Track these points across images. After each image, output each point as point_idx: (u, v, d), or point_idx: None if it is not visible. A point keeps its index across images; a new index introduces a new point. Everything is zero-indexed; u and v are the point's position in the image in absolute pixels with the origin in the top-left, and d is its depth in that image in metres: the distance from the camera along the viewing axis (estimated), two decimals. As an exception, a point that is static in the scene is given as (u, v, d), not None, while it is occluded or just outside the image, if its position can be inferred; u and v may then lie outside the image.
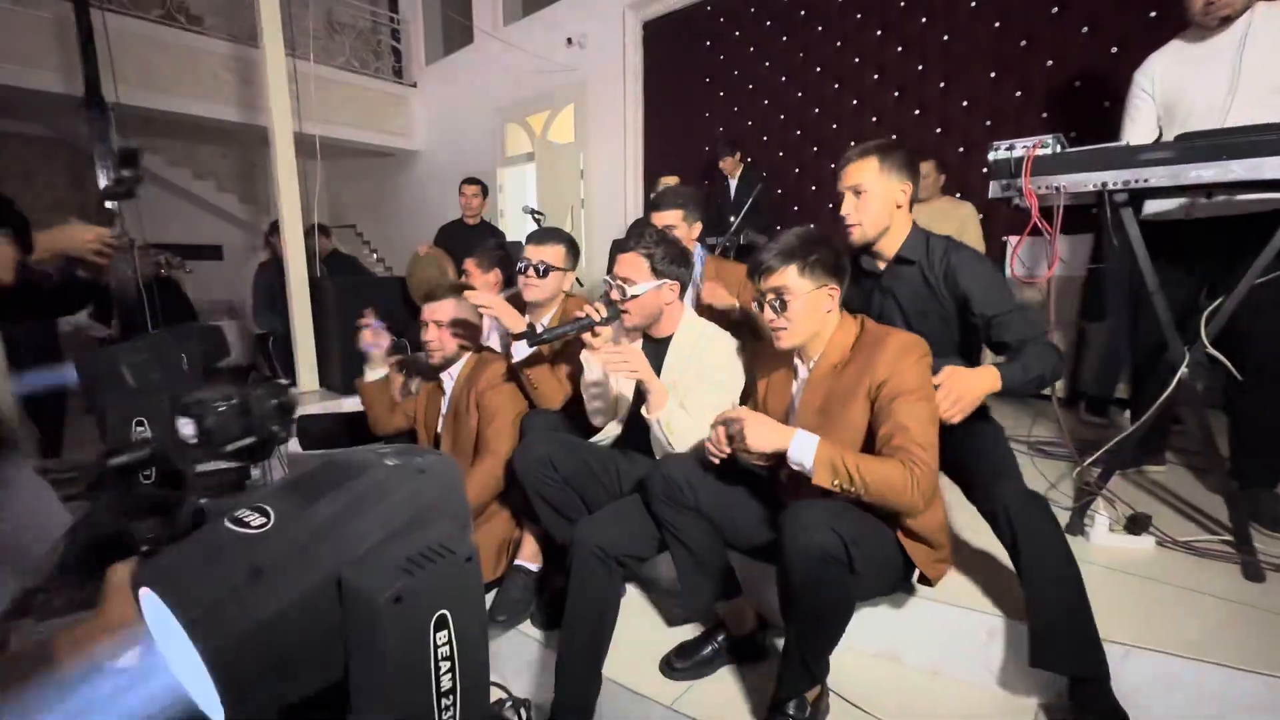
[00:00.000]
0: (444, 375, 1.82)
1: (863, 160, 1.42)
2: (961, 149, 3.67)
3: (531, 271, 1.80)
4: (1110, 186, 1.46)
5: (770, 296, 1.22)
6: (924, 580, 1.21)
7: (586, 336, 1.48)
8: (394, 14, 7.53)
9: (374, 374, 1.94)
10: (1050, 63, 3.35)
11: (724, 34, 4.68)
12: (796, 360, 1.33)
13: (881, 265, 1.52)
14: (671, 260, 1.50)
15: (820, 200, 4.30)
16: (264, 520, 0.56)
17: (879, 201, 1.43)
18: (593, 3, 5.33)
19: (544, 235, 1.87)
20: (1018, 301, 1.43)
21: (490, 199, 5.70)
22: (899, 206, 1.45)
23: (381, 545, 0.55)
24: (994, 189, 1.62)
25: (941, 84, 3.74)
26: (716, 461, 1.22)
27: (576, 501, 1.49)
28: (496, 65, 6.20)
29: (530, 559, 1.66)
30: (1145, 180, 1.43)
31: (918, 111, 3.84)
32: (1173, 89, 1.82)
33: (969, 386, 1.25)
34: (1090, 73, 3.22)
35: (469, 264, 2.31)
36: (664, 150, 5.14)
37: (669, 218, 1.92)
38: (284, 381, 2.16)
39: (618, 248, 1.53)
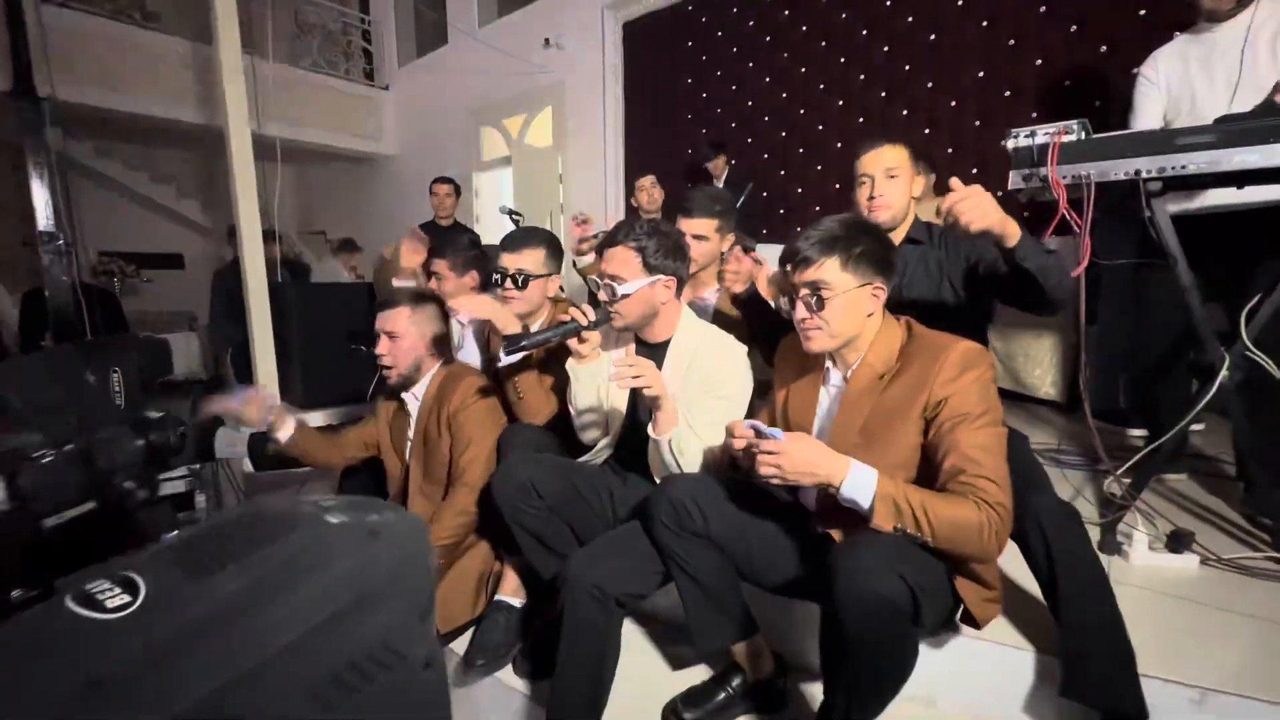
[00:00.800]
0: (406, 395, 1.60)
1: (899, 147, 1.47)
2: (950, 149, 3.60)
3: (509, 283, 1.59)
4: (1144, 174, 1.34)
5: (805, 291, 1.05)
6: (969, 620, 1.06)
7: (572, 343, 1.31)
8: (365, 15, 7.30)
9: (285, 434, 1.62)
10: (1039, 61, 3.30)
11: (706, 34, 4.58)
12: (829, 365, 1.15)
13: None
14: (666, 254, 1.32)
15: (807, 202, 4.20)
16: (126, 600, 0.38)
17: (905, 188, 1.48)
18: (570, 4, 5.20)
19: (519, 239, 1.65)
20: None
21: (465, 202, 5.50)
22: (915, 198, 1.51)
23: (298, 649, 0.38)
24: (1014, 179, 1.50)
25: (930, 84, 3.67)
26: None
27: (564, 531, 1.31)
28: (471, 67, 6.03)
29: (512, 594, 1.48)
30: (1183, 167, 1.31)
31: (905, 111, 3.77)
32: (1178, 82, 1.78)
33: (991, 205, 1.15)
34: (1080, 72, 3.17)
35: (440, 265, 2.00)
36: (645, 153, 5.00)
37: (700, 227, 1.66)
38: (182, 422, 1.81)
39: (606, 242, 1.36)
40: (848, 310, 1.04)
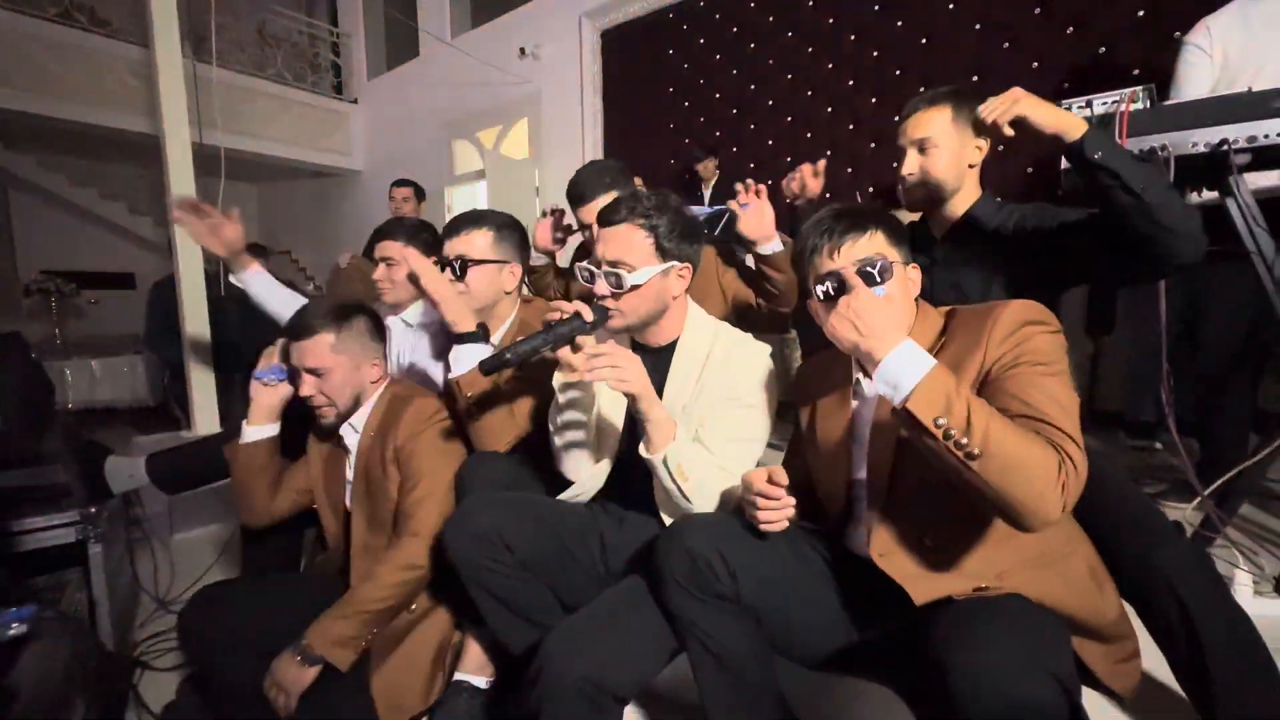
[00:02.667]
0: (344, 428, 1.26)
1: (940, 108, 1.20)
2: (946, 155, 3.46)
3: (447, 271, 1.29)
4: (1233, 143, 1.13)
5: (855, 268, 0.85)
6: (1107, 692, 0.79)
7: (563, 353, 0.99)
8: (334, 28, 7.06)
9: (256, 432, 1.29)
10: (1035, 64, 3.19)
11: (688, 41, 4.43)
12: (858, 377, 0.92)
13: (937, 234, 1.25)
14: (682, 235, 1.06)
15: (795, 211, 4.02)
16: None
17: (950, 157, 1.20)
18: (546, 13, 5.04)
19: (463, 220, 1.35)
20: None
21: (437, 216, 5.21)
22: (971, 166, 1.22)
23: None
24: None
25: (921, 88, 3.52)
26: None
27: (542, 593, 1.01)
28: (443, 79, 5.82)
29: (475, 671, 1.16)
30: (1279, 135, 1.11)
31: (896, 118, 3.62)
32: (1237, 50, 1.58)
33: (1045, 106, 1.04)
34: (1076, 72, 3.06)
35: (390, 248, 1.55)
36: (627, 162, 4.79)
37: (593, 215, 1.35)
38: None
39: (602, 219, 1.08)
40: (901, 290, 0.88)
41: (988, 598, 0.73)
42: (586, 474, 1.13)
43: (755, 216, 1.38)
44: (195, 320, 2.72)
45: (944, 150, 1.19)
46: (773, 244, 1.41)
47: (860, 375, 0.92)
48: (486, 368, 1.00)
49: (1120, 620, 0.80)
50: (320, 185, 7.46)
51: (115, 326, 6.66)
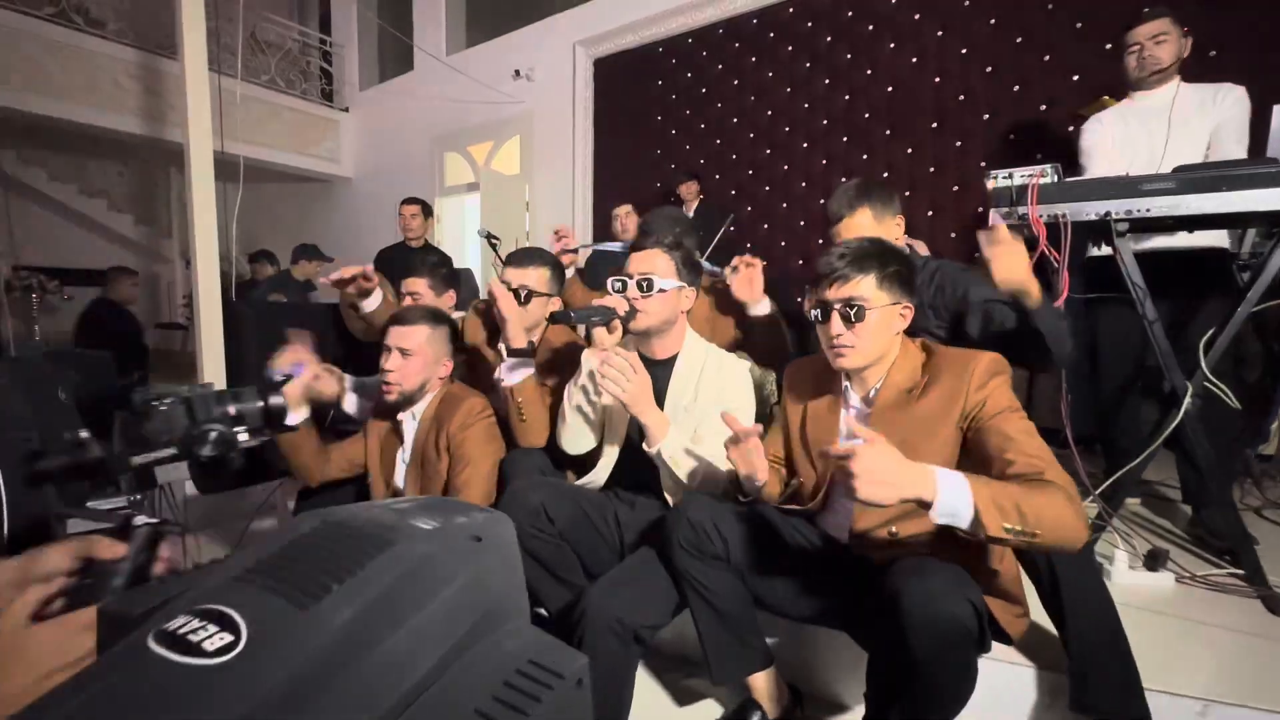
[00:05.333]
0: (403, 415, 1.51)
1: (855, 213, 1.46)
2: (908, 192, 3.81)
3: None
4: (1114, 215, 1.46)
5: (840, 305, 1.06)
6: (1001, 636, 1.05)
7: (600, 332, 1.30)
8: (325, 36, 7.19)
9: (292, 418, 1.45)
10: (986, 116, 3.57)
11: (676, 74, 4.74)
12: (846, 385, 1.15)
13: None
14: (691, 268, 1.37)
15: (774, 238, 4.34)
16: (228, 640, 0.33)
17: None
18: (541, 38, 5.29)
19: (526, 255, 1.67)
20: None
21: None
22: (896, 240, 1.50)
23: (440, 681, 0.33)
24: (994, 217, 1.60)
25: (888, 131, 3.90)
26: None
27: (573, 560, 1.26)
28: (437, 94, 6.00)
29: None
30: (1147, 210, 1.44)
31: (865, 156, 3.99)
32: (1121, 137, 1.95)
33: (1024, 261, 1.21)
34: (1023, 128, 3.46)
35: (417, 284, 1.94)
36: (615, 184, 5.07)
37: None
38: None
39: (636, 246, 1.39)
40: (881, 327, 1.06)
41: (927, 558, 0.96)
42: (599, 466, 1.40)
43: (746, 283, 1.58)
44: (210, 329, 2.86)
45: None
46: (761, 305, 1.60)
47: (847, 384, 1.15)
48: (556, 319, 1.32)
49: (1021, 593, 1.06)
50: (306, 190, 7.53)
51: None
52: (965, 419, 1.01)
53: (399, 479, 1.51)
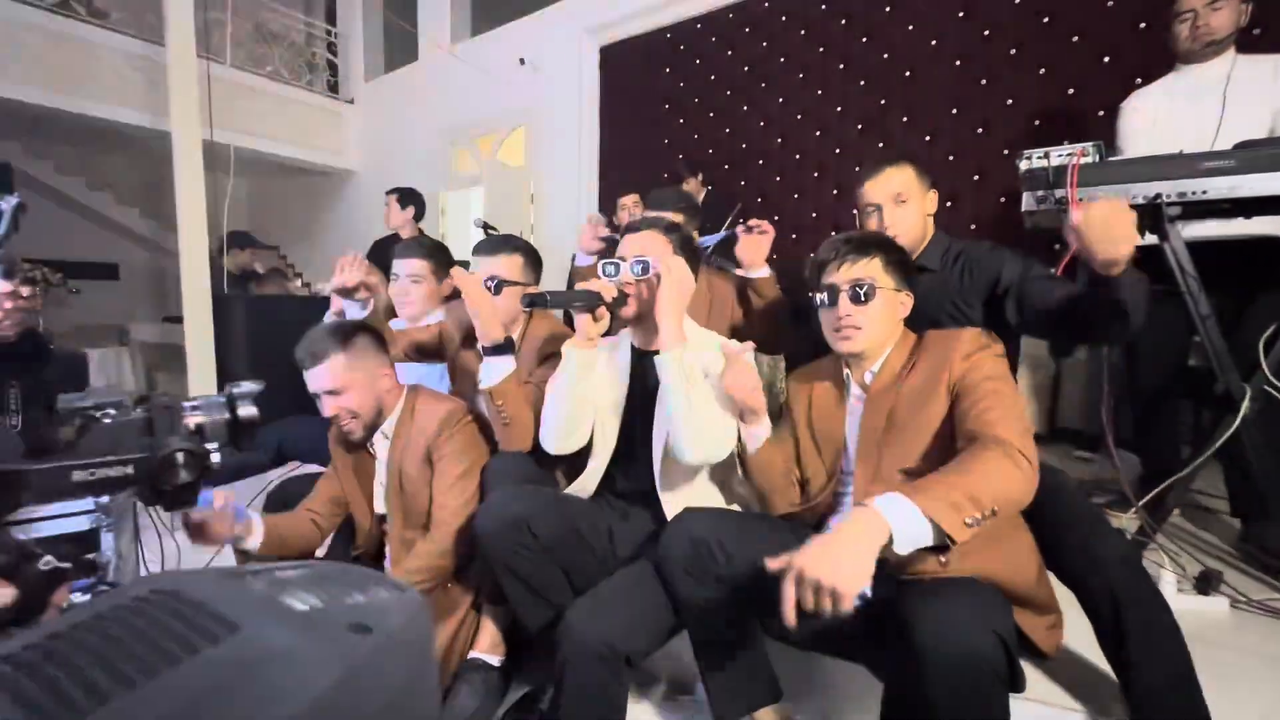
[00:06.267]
0: (376, 437, 1.37)
1: (904, 167, 1.39)
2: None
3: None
4: (1165, 198, 1.31)
5: (848, 286, 1.04)
6: (1035, 652, 0.95)
7: (583, 320, 1.18)
8: (331, 27, 7.11)
9: (253, 540, 1.29)
10: (1010, 101, 3.40)
11: (684, 61, 4.60)
12: (846, 371, 1.13)
13: None
14: (689, 249, 1.25)
15: (784, 229, 4.18)
16: None
17: (918, 210, 1.40)
18: (547, 26, 5.17)
19: (495, 243, 1.53)
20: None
21: (431, 220, 5.31)
22: (929, 215, 1.43)
23: None
24: (1027, 201, 1.47)
25: (904, 118, 3.74)
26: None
27: (558, 576, 1.14)
28: (443, 85, 5.91)
29: (489, 650, 1.28)
30: (1203, 192, 1.29)
31: (881, 144, 3.83)
32: (1164, 116, 1.80)
33: (1131, 227, 0.97)
34: (1048, 114, 3.28)
35: (423, 267, 1.79)
36: (621, 175, 4.95)
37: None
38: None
39: (630, 229, 1.26)
40: (887, 310, 1.05)
41: (947, 576, 0.88)
42: (587, 471, 1.28)
43: (754, 246, 1.60)
44: (198, 317, 2.79)
45: (914, 202, 1.39)
46: (760, 270, 1.65)
47: (847, 371, 1.12)
48: (528, 302, 1.16)
49: (1050, 597, 0.97)
50: (313, 183, 7.47)
51: (99, 317, 6.61)
52: (951, 390, 0.99)
53: (379, 504, 1.39)
